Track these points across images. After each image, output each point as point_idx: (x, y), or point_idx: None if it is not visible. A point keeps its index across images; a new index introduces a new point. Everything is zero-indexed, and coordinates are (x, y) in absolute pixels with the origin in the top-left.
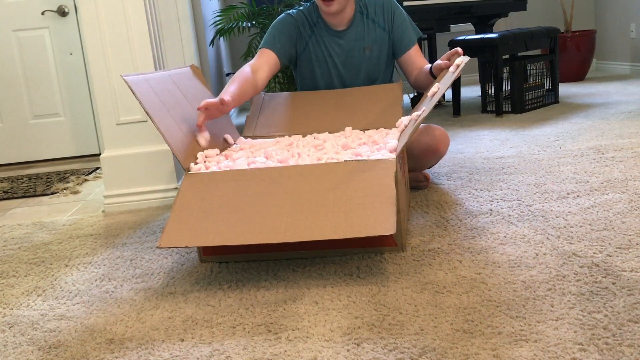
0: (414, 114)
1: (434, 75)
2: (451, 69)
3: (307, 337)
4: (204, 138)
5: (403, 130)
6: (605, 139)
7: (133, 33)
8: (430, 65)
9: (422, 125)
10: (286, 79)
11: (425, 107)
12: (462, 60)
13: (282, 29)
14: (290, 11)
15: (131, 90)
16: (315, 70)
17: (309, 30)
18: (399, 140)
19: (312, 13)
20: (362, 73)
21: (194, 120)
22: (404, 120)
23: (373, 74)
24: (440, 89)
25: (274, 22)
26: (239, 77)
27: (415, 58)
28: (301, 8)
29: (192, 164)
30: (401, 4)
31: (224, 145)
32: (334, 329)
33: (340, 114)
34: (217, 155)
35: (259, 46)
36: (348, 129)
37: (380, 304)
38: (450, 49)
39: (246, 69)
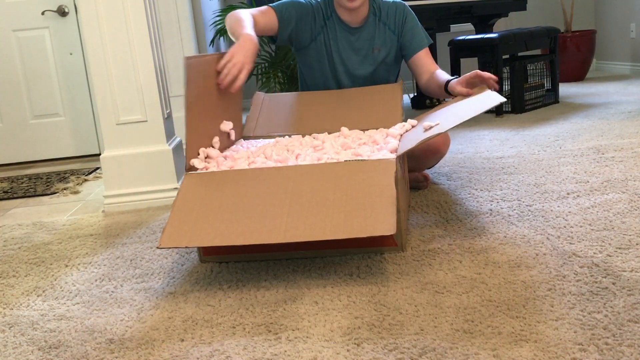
0: (424, 124)
1: (447, 91)
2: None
3: (307, 337)
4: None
5: (403, 133)
6: (605, 139)
7: (133, 33)
8: (448, 79)
9: None
10: (286, 79)
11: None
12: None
13: (298, 8)
14: None
15: (185, 74)
16: (322, 62)
17: (322, 22)
18: (399, 141)
19: (328, 6)
20: (367, 71)
21: (220, 113)
22: (407, 125)
23: (376, 75)
24: (440, 126)
25: None
26: (251, 21)
27: (425, 61)
28: None
29: (192, 159)
30: None
31: (227, 141)
32: (334, 329)
33: (340, 114)
34: (217, 156)
35: (269, 4)
36: (344, 129)
37: (380, 304)
38: (451, 50)
39: (249, 16)
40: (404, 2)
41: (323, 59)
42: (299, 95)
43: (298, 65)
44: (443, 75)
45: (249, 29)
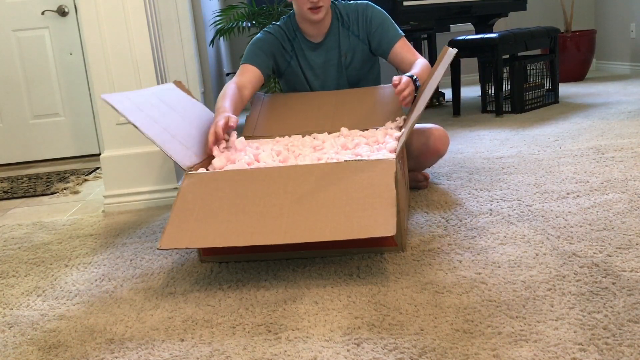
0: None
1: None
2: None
3: (307, 337)
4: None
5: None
6: (605, 139)
7: (133, 33)
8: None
9: (421, 125)
10: None
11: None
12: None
13: (263, 46)
14: (267, 28)
15: (114, 107)
16: (299, 83)
17: (289, 46)
18: (398, 141)
19: (290, 27)
20: (343, 79)
21: (187, 128)
22: (399, 121)
23: (352, 79)
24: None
25: (253, 39)
26: (230, 95)
27: (403, 54)
28: (278, 23)
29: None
30: (401, 4)
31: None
32: (334, 329)
33: (339, 114)
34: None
35: (241, 62)
36: (344, 129)
37: (380, 304)
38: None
39: (232, 86)
40: (366, 1)
41: (300, 80)
42: (299, 96)
43: (282, 86)
44: (415, 67)
45: (225, 109)
